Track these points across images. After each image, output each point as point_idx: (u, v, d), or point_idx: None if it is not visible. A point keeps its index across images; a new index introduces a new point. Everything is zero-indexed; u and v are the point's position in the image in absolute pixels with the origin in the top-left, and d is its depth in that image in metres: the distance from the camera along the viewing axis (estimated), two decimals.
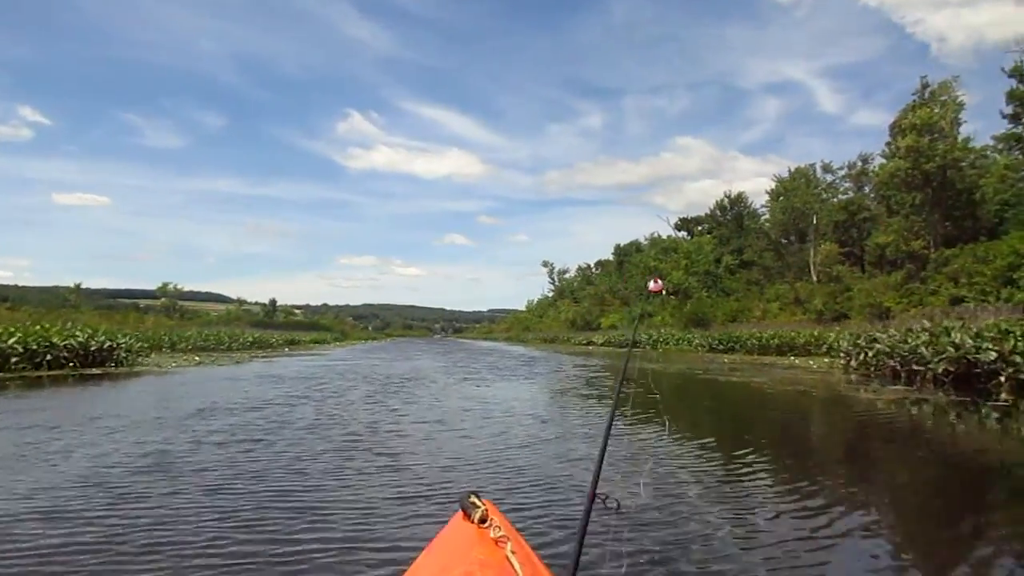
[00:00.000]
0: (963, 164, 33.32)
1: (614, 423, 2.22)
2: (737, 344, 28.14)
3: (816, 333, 24.80)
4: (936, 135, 32.54)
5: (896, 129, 44.17)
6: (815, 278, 45.35)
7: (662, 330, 40.41)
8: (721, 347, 29.03)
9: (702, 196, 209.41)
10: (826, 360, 20.69)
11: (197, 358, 22.86)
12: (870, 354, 15.31)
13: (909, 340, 14.08)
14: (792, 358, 23.36)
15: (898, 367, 13.91)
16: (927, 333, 14.17)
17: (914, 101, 35.77)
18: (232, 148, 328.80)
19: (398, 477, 4.99)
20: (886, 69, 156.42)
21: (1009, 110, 34.87)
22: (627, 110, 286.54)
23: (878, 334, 16.06)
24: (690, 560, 3.15)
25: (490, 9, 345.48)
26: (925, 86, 35.62)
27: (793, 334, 25.54)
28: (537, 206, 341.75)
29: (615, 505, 1.86)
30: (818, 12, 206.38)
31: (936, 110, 32.73)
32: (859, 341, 16.57)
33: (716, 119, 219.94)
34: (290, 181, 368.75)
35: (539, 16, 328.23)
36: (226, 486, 4.57)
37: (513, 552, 1.40)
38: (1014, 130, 35.42)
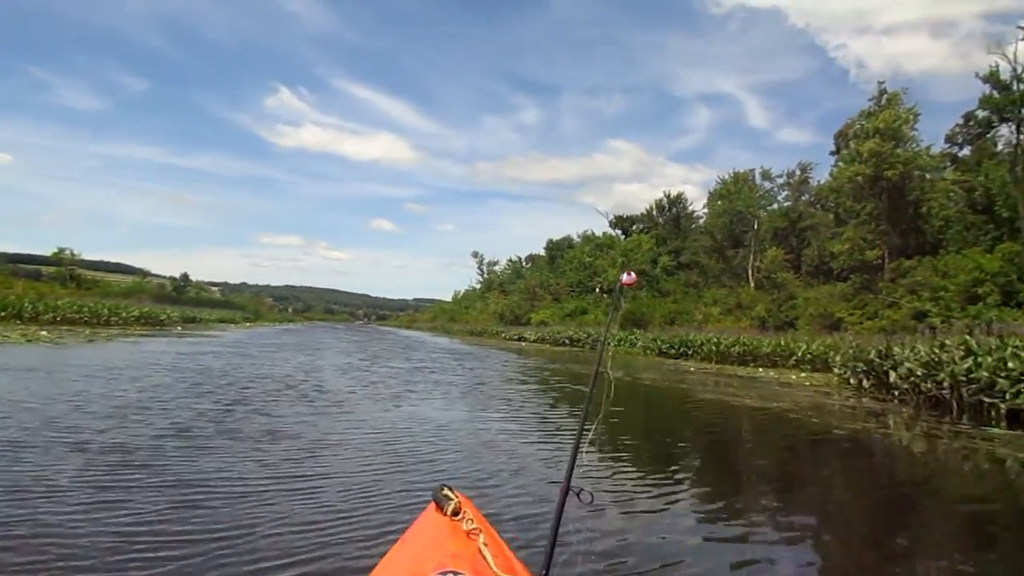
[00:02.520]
0: (925, 174, 31.49)
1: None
2: (690, 349, 24.94)
3: (782, 342, 21.82)
4: (896, 141, 30.48)
5: (843, 138, 42.82)
6: (752, 284, 43.35)
7: (601, 329, 37.11)
8: (673, 352, 25.77)
9: (630, 198, 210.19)
10: (815, 376, 17.60)
11: (44, 333, 17.75)
12: (892, 375, 12.05)
13: (954, 360, 10.89)
14: (762, 370, 20.25)
15: (944, 395, 10.69)
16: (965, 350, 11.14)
17: (870, 107, 33.75)
18: (153, 115, 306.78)
19: None
20: (811, 90, 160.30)
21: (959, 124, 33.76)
22: (563, 108, 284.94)
23: (896, 349, 12.89)
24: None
25: None
26: (883, 92, 33.61)
27: (756, 342, 22.49)
28: (467, 196, 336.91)
29: (589, 499, 1.83)
30: (750, 28, 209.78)
31: (900, 112, 30.60)
32: (869, 357, 13.39)
33: (649, 124, 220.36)
34: (213, 153, 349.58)
35: (479, 5, 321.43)
36: None
37: (485, 544, 1.41)
38: (951, 150, 34.44)
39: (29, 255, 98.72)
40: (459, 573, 1.25)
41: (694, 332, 28.82)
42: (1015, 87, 24.17)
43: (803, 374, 18.35)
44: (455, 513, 1.59)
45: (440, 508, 1.64)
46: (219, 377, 10.58)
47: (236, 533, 3.25)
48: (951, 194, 32.28)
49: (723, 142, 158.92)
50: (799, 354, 20.29)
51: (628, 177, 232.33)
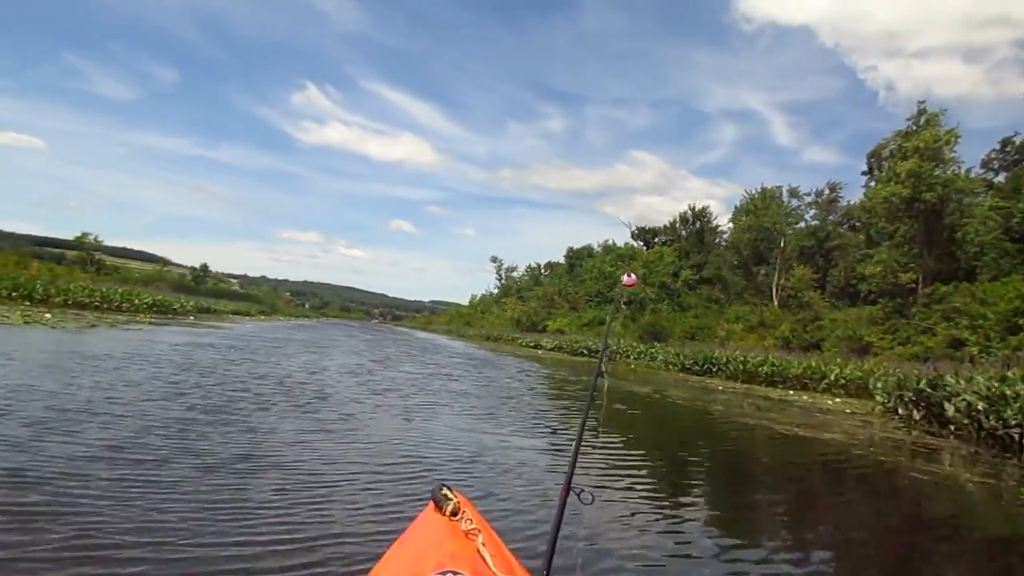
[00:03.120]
0: (963, 198, 30.30)
1: None
2: (715, 367, 23.96)
3: (812, 364, 20.81)
4: (936, 162, 29.32)
5: (875, 158, 41.67)
6: (776, 302, 42.20)
7: (621, 340, 36.18)
8: (696, 368, 24.79)
9: (651, 211, 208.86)
10: (851, 402, 16.65)
11: (48, 315, 17.21)
12: (950, 408, 11.07)
13: (1020, 394, 9.93)
14: (792, 392, 19.28)
15: (1011, 434, 9.72)
16: None
17: (908, 127, 32.58)
18: (182, 106, 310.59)
19: None
20: (838, 110, 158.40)
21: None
22: (588, 118, 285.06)
23: (949, 379, 11.91)
24: None
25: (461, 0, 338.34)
26: (922, 112, 32.40)
27: (784, 363, 21.47)
28: (488, 201, 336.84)
29: (590, 500, 1.79)
30: (779, 46, 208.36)
31: (940, 133, 29.43)
32: (919, 386, 12.40)
33: (673, 137, 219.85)
34: (239, 146, 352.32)
35: (509, 13, 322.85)
36: None
37: (484, 545, 1.39)
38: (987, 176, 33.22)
39: (54, 239, 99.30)
40: (458, 573, 1.23)
41: (716, 348, 27.85)
42: None
43: (837, 399, 17.37)
44: (454, 513, 1.57)
45: (439, 508, 1.62)
46: (207, 374, 9.34)
47: None
48: (988, 220, 31.08)
49: (747, 158, 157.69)
50: (831, 377, 19.31)
51: (650, 189, 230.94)
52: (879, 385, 14.57)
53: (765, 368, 21.47)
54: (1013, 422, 9.62)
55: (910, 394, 12.50)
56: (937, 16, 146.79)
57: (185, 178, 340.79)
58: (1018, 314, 23.55)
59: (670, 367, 26.53)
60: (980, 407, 10.46)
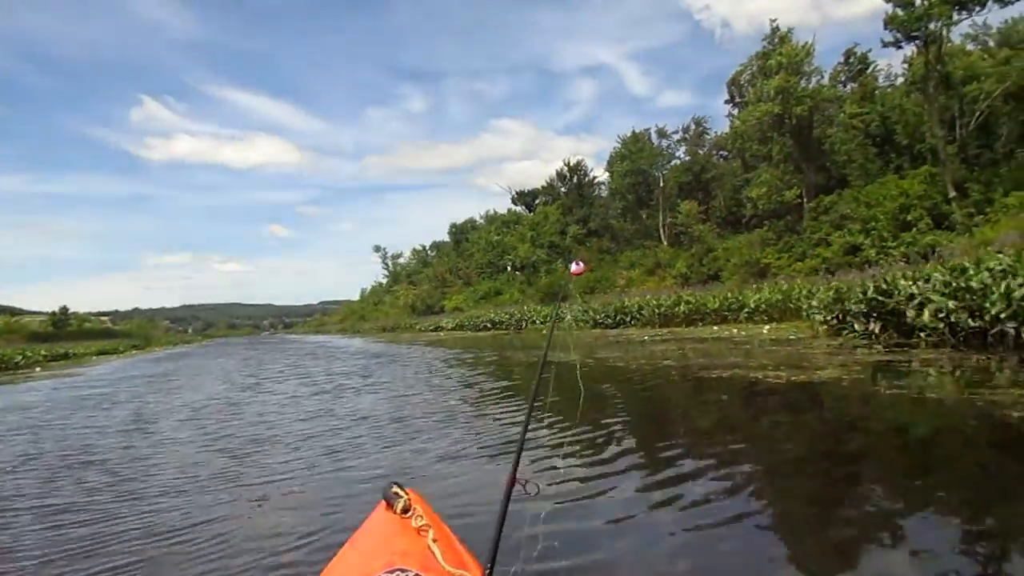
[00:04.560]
0: (826, 109, 30.34)
1: None
2: (628, 316, 22.37)
3: (728, 295, 19.59)
4: (800, 76, 29.04)
5: (735, 85, 41.71)
6: (665, 242, 41.76)
7: (525, 307, 34.23)
8: (609, 322, 23.11)
9: (523, 176, 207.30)
10: (785, 326, 15.31)
11: None
12: (925, 314, 9.54)
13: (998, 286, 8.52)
14: (716, 328, 17.87)
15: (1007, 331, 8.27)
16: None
17: (764, 47, 32.21)
18: (13, 142, 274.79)
19: None
20: (684, 54, 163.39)
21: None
22: (447, 93, 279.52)
23: (902, 282, 10.50)
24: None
25: None
26: (775, 31, 32.08)
27: (700, 299, 20.14)
28: (361, 192, 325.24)
29: (535, 491, 1.68)
30: None
31: (801, 44, 29.12)
32: (868, 295, 10.93)
33: (534, 101, 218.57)
34: (83, 175, 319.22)
35: None
36: None
37: (435, 540, 1.38)
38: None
39: None
40: (407, 571, 1.22)
41: (619, 298, 26.43)
42: (918, 3, 22.89)
43: (766, 327, 16.03)
44: (405, 510, 1.55)
45: (390, 506, 1.60)
46: None
47: None
48: (850, 128, 31.42)
49: (607, 111, 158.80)
50: (751, 305, 18.08)
51: (519, 155, 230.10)
52: (814, 304, 13.16)
53: (681, 308, 20.03)
54: (1004, 316, 8.19)
55: (862, 307, 11.03)
56: None
57: (29, 217, 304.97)
58: (903, 210, 23.52)
59: (580, 324, 24.77)
60: (950, 305, 9.02)
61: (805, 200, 28.95)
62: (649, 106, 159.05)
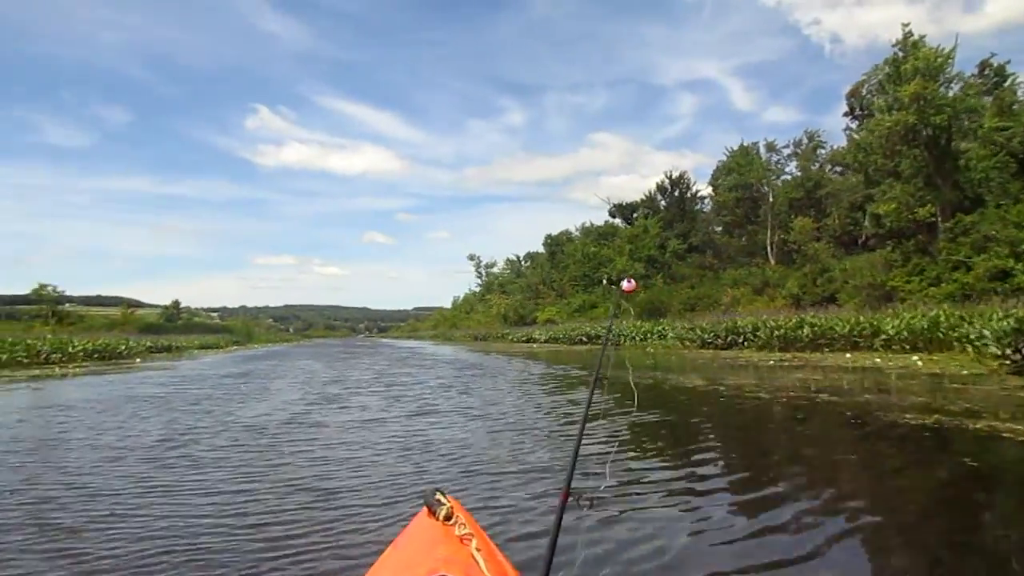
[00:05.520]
0: (963, 122, 27.45)
1: None
2: (741, 337, 20.73)
3: (861, 319, 17.69)
4: (940, 82, 26.39)
5: (855, 96, 38.78)
6: (772, 260, 39.29)
7: (624, 323, 32.94)
8: (719, 342, 21.52)
9: (619, 191, 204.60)
10: (937, 357, 13.46)
11: None
12: None
13: None
14: (850, 355, 16.08)
15: None
16: None
17: (895, 54, 29.60)
18: (138, 146, 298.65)
19: None
20: (791, 69, 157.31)
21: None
22: (547, 106, 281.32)
23: None
24: None
25: (406, 3, 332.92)
26: (907, 36, 29.42)
27: (827, 322, 18.33)
28: (457, 202, 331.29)
29: (588, 504, 1.66)
30: (723, 12, 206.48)
31: (940, 49, 26.51)
32: None
33: (633, 115, 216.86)
34: (200, 179, 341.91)
35: (455, 11, 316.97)
36: None
37: (478, 549, 1.34)
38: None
39: (9, 296, 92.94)
40: None
41: (722, 317, 24.71)
42: None
43: (915, 356, 14.19)
44: (447, 518, 1.51)
45: (432, 513, 1.56)
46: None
47: None
48: (990, 144, 28.29)
49: (709, 127, 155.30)
50: (888, 332, 16.15)
51: (616, 169, 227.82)
52: (986, 334, 11.34)
53: (804, 331, 18.27)
54: None
55: None
56: None
57: (150, 217, 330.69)
58: None
59: (686, 344, 23.25)
60: None
61: (940, 219, 26.17)
62: (753, 122, 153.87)
